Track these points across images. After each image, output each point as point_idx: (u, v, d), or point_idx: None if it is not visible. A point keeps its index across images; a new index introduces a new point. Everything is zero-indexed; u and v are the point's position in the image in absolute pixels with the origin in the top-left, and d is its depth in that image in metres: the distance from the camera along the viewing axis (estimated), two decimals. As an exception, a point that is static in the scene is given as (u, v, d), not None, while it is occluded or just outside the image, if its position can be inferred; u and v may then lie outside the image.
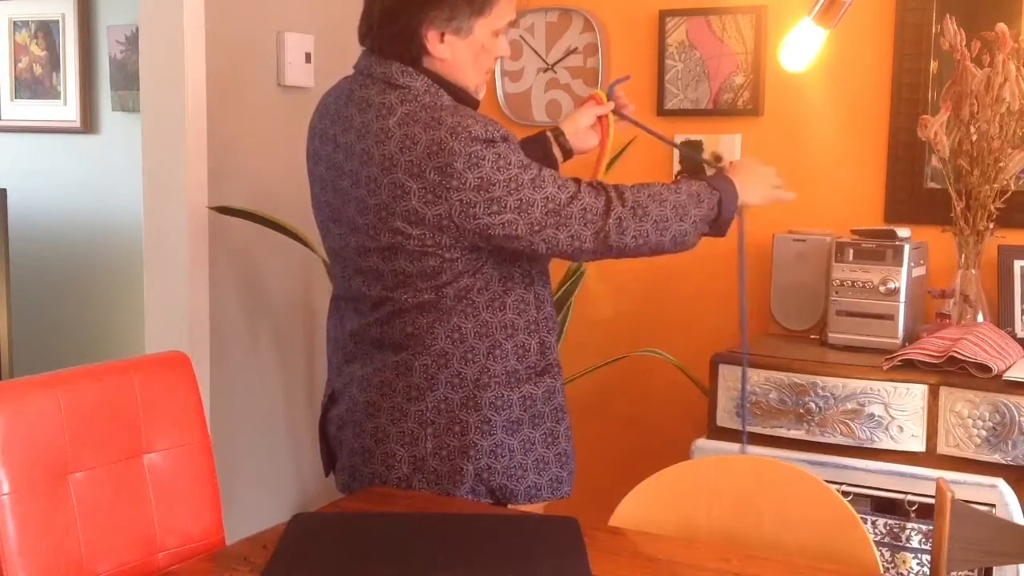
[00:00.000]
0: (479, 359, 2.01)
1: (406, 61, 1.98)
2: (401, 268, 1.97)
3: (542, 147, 2.22)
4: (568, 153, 2.25)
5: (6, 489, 1.65)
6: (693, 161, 3.12)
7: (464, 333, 2.00)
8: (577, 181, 1.99)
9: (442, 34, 1.97)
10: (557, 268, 3.05)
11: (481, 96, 2.11)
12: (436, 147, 1.88)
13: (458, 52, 1.99)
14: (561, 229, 1.94)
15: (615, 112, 2.27)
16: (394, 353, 2.04)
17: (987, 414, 2.39)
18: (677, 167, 3.16)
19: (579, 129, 2.25)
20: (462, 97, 2.02)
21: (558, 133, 2.24)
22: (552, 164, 2.21)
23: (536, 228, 1.92)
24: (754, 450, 2.55)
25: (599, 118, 2.26)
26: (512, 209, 1.91)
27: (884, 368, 2.50)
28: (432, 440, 2.01)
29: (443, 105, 1.95)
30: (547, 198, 1.92)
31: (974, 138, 2.64)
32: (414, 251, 1.95)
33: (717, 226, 2.08)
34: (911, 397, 2.46)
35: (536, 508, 2.11)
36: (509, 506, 2.07)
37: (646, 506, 1.90)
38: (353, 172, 1.97)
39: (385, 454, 2.04)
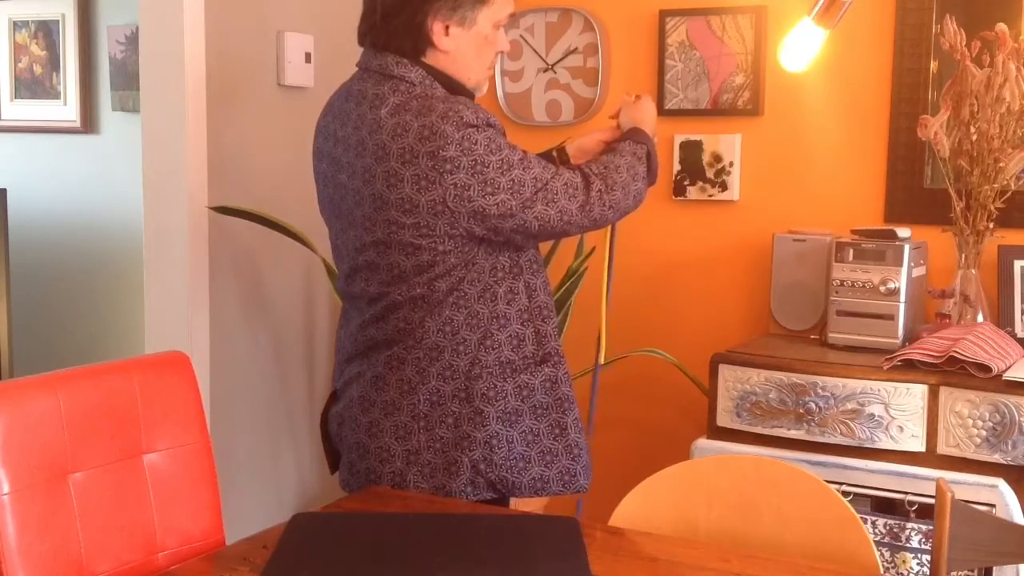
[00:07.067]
0: (470, 350, 2.02)
1: (408, 55, 1.99)
2: (395, 262, 1.99)
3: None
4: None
5: (6, 489, 1.65)
6: (692, 162, 3.14)
7: (456, 325, 2.01)
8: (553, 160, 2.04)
9: (447, 26, 2.00)
10: (558, 269, 3.06)
11: (482, 93, 2.13)
12: (428, 132, 1.91)
13: (462, 44, 2.02)
14: (550, 205, 1.99)
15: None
16: (387, 348, 2.05)
17: (987, 414, 2.39)
18: (678, 166, 3.17)
19: (584, 147, 2.28)
20: (458, 91, 2.03)
21: (560, 150, 2.29)
22: None
23: (528, 205, 1.96)
24: (754, 450, 2.55)
25: (605, 143, 2.27)
26: (505, 189, 1.94)
27: (884, 368, 2.50)
28: (424, 433, 2.02)
29: (435, 95, 1.97)
30: (535, 177, 1.98)
31: (974, 138, 2.64)
32: (408, 244, 1.96)
33: (651, 176, 2.18)
34: (911, 397, 2.46)
35: (545, 502, 2.11)
36: (513, 499, 2.06)
37: (646, 506, 1.90)
38: (349, 164, 1.99)
39: (379, 448, 2.04)
